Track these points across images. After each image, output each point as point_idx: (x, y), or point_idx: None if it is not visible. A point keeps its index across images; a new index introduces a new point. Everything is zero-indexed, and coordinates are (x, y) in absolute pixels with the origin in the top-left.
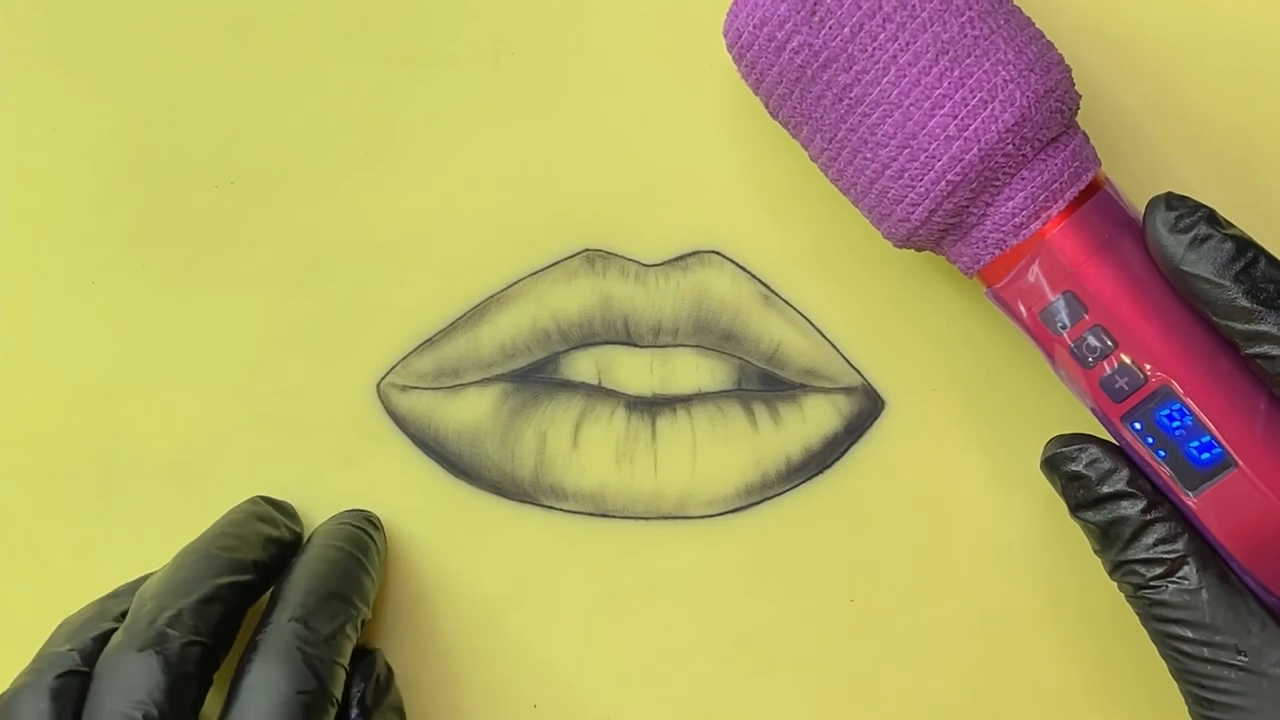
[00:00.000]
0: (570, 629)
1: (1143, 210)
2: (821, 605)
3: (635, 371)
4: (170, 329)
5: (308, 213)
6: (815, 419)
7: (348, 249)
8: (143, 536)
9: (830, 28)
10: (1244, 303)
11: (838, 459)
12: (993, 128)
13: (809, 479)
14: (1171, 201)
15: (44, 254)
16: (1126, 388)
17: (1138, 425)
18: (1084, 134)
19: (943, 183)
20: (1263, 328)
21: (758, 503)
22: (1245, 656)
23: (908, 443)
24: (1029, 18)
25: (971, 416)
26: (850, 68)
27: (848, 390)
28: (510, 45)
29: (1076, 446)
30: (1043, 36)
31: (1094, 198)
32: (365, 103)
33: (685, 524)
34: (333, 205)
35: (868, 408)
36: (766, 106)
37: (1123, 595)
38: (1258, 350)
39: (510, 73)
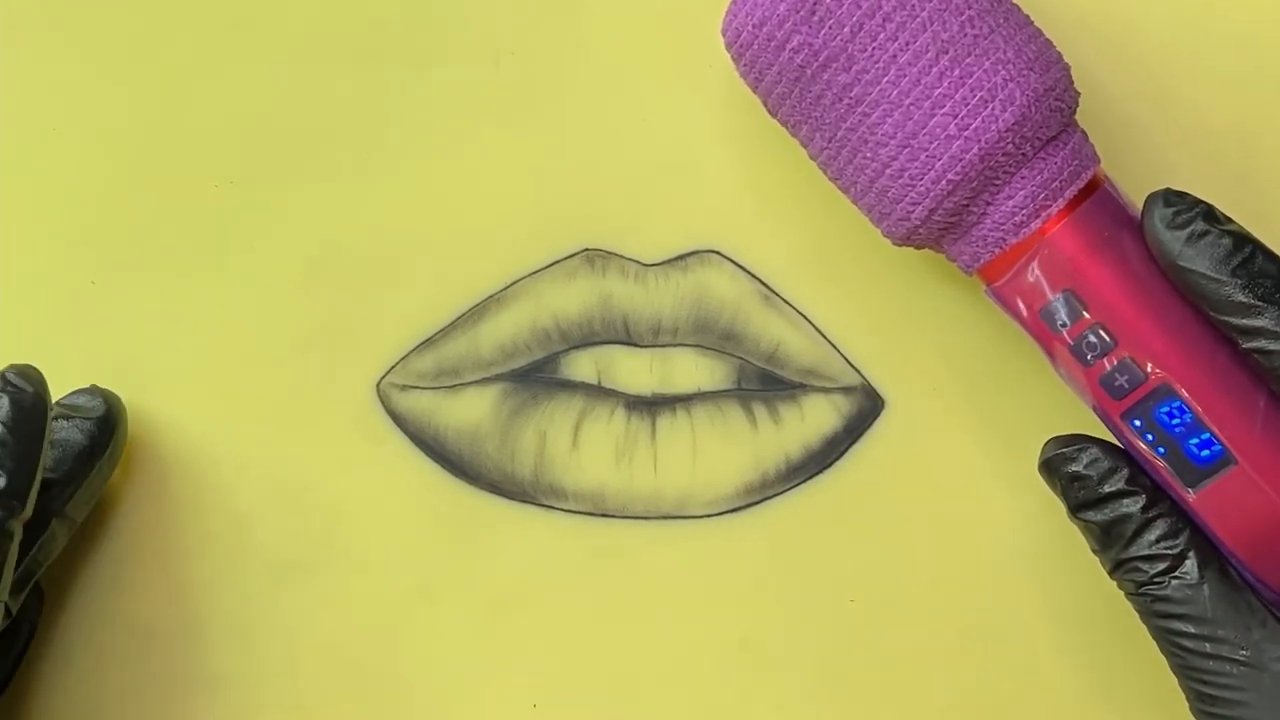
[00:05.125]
0: (570, 629)
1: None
2: (821, 605)
3: (635, 371)
4: (170, 329)
5: (308, 213)
6: (815, 418)
7: (348, 249)
8: (143, 536)
9: (830, 27)
10: (1241, 298)
11: (837, 459)
12: (993, 127)
13: (809, 479)
14: (1169, 198)
15: (44, 254)
16: (1126, 385)
17: (1138, 422)
18: (1083, 132)
19: (943, 182)
20: (1259, 323)
21: (757, 502)
22: (1246, 651)
23: (908, 442)
24: (1028, 16)
25: (971, 416)
26: (850, 67)
27: (847, 390)
28: (510, 45)
29: (1076, 447)
30: (1041, 34)
31: (1094, 195)
32: (365, 103)
33: (685, 524)
34: (333, 205)
35: (867, 407)
36: (766, 106)
37: (1123, 594)
38: (1255, 345)
39: (510, 73)
